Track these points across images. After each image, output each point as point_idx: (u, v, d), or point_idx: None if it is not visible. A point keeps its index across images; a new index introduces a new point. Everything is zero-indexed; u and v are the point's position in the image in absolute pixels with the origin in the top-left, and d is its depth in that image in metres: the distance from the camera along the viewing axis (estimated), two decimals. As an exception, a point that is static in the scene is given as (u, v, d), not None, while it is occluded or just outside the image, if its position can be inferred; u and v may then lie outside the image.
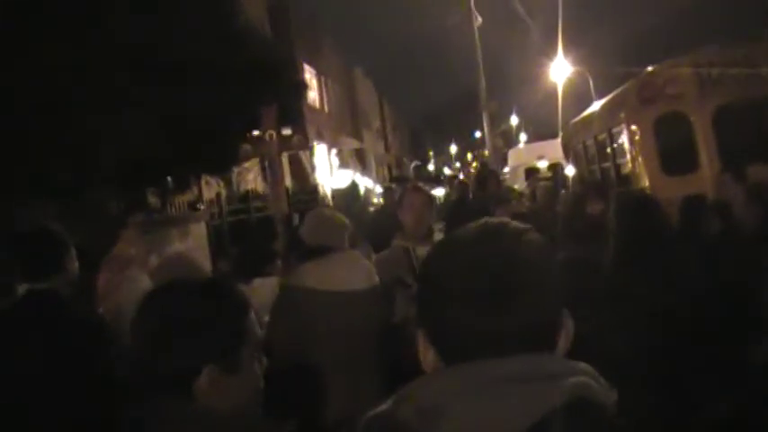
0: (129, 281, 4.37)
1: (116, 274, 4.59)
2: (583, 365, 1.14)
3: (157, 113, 8.84)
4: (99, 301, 4.39)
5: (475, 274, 1.13)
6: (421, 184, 5.18)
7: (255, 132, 11.47)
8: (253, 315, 1.73)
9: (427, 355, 1.20)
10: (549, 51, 29.55)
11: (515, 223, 1.23)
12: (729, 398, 3.22)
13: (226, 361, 1.62)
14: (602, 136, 10.18)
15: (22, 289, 3.16)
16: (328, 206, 13.47)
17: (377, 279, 3.94)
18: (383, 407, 1.17)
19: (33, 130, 7.62)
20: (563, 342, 1.19)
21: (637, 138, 8.51)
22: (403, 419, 1.11)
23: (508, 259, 1.14)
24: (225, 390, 1.61)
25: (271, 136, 11.02)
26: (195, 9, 9.73)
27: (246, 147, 11.73)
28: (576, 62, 30.84)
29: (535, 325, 1.14)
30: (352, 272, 3.82)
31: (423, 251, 4.08)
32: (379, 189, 38.10)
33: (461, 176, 40.46)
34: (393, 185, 13.46)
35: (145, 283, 4.15)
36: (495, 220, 1.26)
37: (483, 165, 15.77)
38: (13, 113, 7.41)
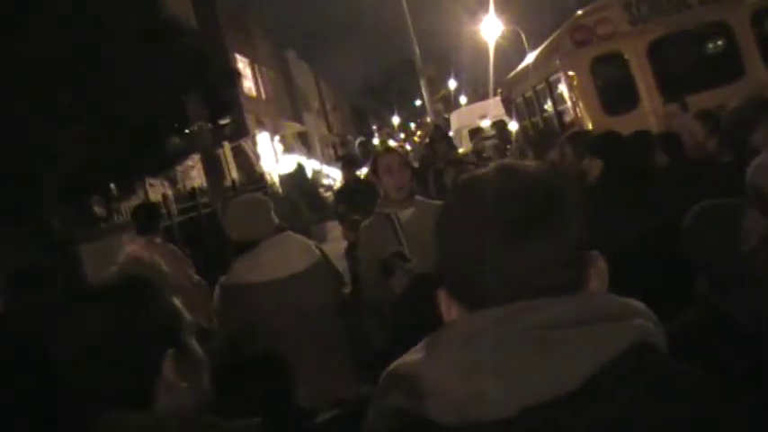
0: None
1: None
2: (638, 305, 1.04)
3: (93, 119, 8.60)
4: None
5: (504, 205, 1.04)
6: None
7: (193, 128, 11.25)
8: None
9: (451, 313, 1.10)
10: (481, 11, 29.62)
11: (522, 161, 1.16)
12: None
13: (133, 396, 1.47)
14: (541, 86, 10.17)
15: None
16: (275, 192, 13.27)
17: (316, 255, 3.82)
18: (403, 360, 1.04)
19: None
20: (596, 283, 1.07)
21: (575, 82, 8.50)
22: (431, 377, 0.98)
23: (535, 187, 1.06)
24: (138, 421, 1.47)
25: (202, 128, 10.80)
26: (118, 9, 9.46)
27: (176, 140, 11.47)
28: (509, 21, 30.95)
29: (570, 256, 1.04)
30: (285, 256, 3.71)
31: (405, 215, 3.88)
32: (326, 170, 37.98)
33: (408, 146, 40.28)
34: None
35: None
36: (502, 161, 1.17)
37: (436, 127, 15.72)
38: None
